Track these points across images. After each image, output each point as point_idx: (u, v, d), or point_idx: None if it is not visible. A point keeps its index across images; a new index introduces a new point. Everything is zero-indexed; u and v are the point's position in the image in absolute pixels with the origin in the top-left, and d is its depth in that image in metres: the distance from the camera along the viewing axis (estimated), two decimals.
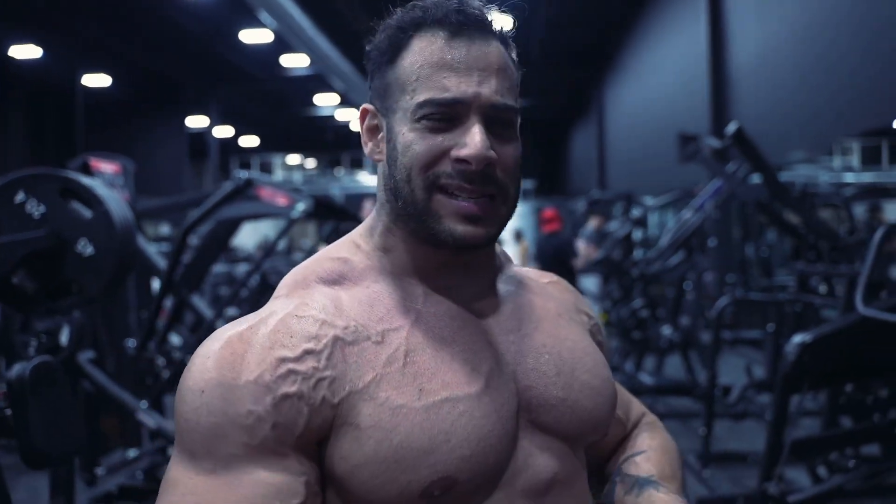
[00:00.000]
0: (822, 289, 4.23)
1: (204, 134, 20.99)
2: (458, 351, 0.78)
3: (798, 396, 2.89)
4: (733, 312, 7.22)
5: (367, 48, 0.85)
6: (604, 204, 10.38)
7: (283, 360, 0.72)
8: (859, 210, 8.80)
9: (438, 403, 0.73)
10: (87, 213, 2.19)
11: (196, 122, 21.49)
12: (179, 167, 20.86)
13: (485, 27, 0.81)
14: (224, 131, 23.03)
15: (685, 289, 6.15)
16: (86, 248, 2.17)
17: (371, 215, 0.88)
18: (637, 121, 13.55)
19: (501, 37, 0.84)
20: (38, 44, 15.68)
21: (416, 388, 0.74)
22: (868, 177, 17.69)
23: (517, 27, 0.86)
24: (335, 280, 0.81)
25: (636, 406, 1.07)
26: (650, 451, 0.97)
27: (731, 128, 3.65)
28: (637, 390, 5.50)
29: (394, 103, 0.80)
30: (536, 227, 18.50)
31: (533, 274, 0.99)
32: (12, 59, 16.38)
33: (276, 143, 26.06)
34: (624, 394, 1.04)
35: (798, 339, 2.71)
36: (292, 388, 0.71)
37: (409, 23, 0.80)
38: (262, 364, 0.71)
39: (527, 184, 23.62)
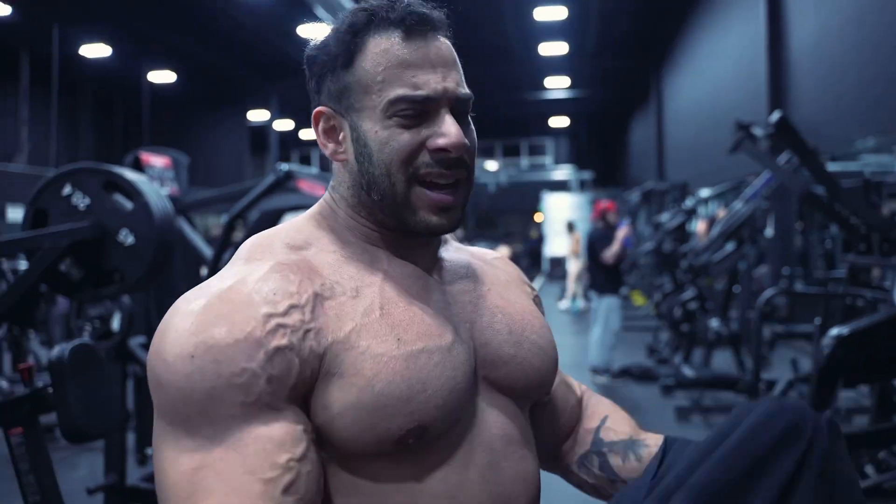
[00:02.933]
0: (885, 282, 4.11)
1: (265, 127, 21.43)
2: (426, 307, 0.84)
3: (853, 392, 2.83)
4: (788, 306, 7.05)
5: (311, 53, 0.89)
6: (658, 194, 10.25)
7: (271, 315, 0.73)
8: None
9: (416, 353, 0.77)
10: (128, 204, 2.31)
11: (257, 115, 21.96)
12: (241, 160, 21.39)
13: (433, 24, 0.84)
14: (284, 125, 23.46)
15: (738, 281, 6.04)
16: (127, 237, 2.29)
17: (326, 202, 0.91)
18: (695, 110, 13.27)
19: (446, 31, 0.87)
20: (107, 43, 16.26)
21: (394, 338, 0.77)
22: None
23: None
24: (301, 246, 0.84)
25: (570, 377, 1.13)
26: (611, 414, 1.06)
27: (775, 116, 3.57)
28: (680, 383, 5.44)
29: (356, 103, 0.83)
30: (592, 219, 18.31)
31: (477, 251, 1.05)
32: (83, 57, 17.04)
33: None
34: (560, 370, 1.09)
35: (834, 332, 2.66)
36: (283, 341, 0.72)
37: (360, 25, 0.83)
38: (251, 321, 0.72)
39: (584, 174, 23.37)
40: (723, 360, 6.59)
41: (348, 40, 0.84)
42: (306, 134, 26.69)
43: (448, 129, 0.81)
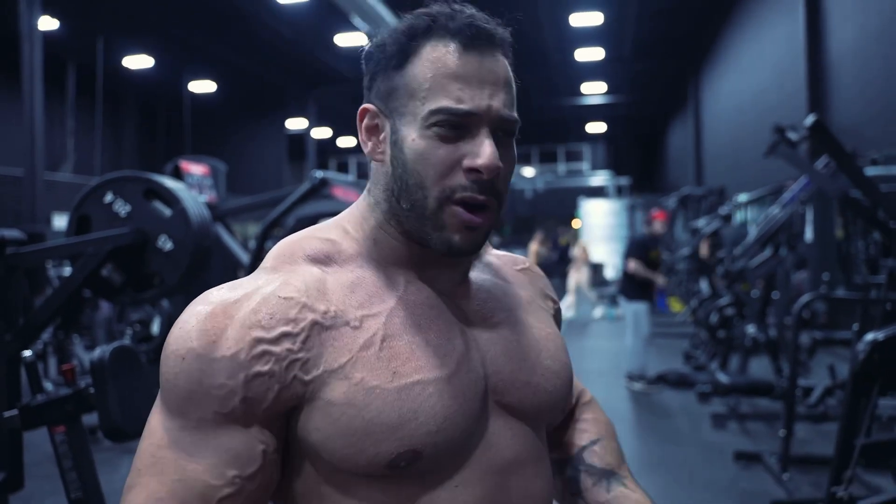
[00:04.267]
0: None
1: (303, 135, 21.69)
2: (432, 337, 0.84)
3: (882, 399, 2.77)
4: (828, 312, 6.92)
5: (368, 49, 0.88)
6: (695, 200, 10.14)
7: (260, 340, 0.76)
8: None
9: (410, 385, 0.79)
10: (167, 211, 2.39)
11: (295, 124, 22.24)
12: (279, 168, 21.68)
13: (493, 41, 0.83)
14: (322, 132, 23.72)
15: (776, 287, 5.96)
16: (165, 243, 2.37)
17: (359, 206, 0.92)
18: (733, 114, 13.10)
19: (506, 50, 0.86)
20: (149, 54, 16.66)
21: (389, 372, 0.79)
22: None
23: (506, 39, 0.87)
24: (322, 260, 0.85)
25: (576, 381, 1.11)
26: (603, 439, 1.04)
27: (809, 120, 3.53)
28: (716, 389, 5.38)
29: (401, 107, 0.83)
30: (629, 225, 18.17)
31: (507, 260, 1.04)
32: (126, 68, 17.47)
33: None
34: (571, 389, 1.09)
35: (870, 337, 2.62)
36: (265, 368, 0.76)
37: (419, 30, 0.83)
38: (240, 342, 0.76)
39: (622, 180, 23.20)
40: (760, 367, 6.50)
41: (404, 42, 0.84)
42: (344, 142, 26.95)
43: (484, 150, 0.80)
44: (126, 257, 2.36)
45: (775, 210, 5.63)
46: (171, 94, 19.53)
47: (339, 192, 3.50)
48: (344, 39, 15.35)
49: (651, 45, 16.62)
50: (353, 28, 13.71)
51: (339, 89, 20.09)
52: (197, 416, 0.76)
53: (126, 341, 3.37)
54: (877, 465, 3.25)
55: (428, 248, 0.85)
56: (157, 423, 0.78)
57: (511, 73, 0.86)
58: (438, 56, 0.82)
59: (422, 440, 0.78)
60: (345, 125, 24.49)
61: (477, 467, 0.84)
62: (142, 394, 1.96)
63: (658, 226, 6.61)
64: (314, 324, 0.79)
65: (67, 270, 6.27)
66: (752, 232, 6.66)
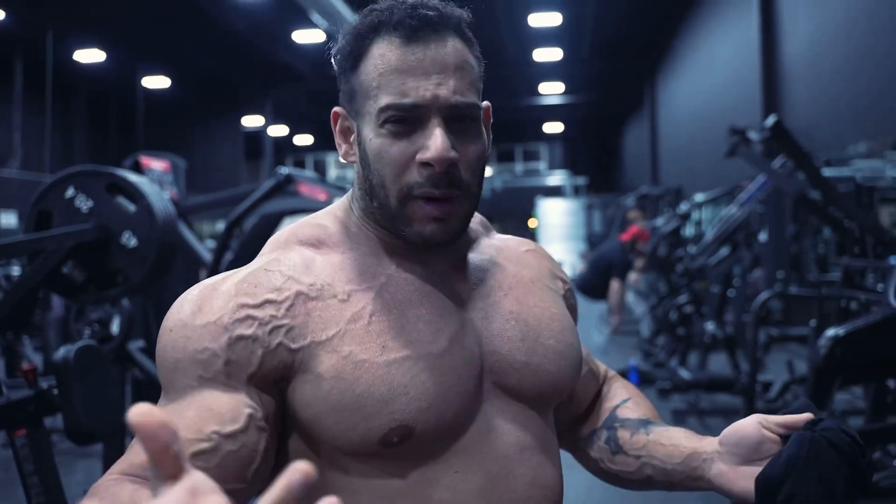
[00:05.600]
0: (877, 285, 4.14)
1: (259, 133, 21.43)
2: (423, 314, 0.83)
3: (847, 394, 2.86)
4: (783, 309, 7.09)
5: (332, 52, 0.88)
6: (653, 199, 10.29)
7: (244, 305, 0.78)
8: None
9: (400, 360, 0.79)
10: (131, 207, 2.32)
11: (251, 121, 21.96)
12: (235, 166, 21.38)
13: (440, 27, 0.81)
14: (279, 130, 23.46)
15: (733, 284, 6.08)
16: (130, 240, 2.30)
17: (347, 198, 0.93)
18: (689, 115, 13.35)
19: (459, 32, 0.84)
20: (100, 48, 16.25)
21: (379, 345, 0.79)
22: None
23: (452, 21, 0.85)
24: (313, 244, 0.87)
25: (599, 362, 1.11)
26: (635, 397, 1.04)
27: (770, 121, 3.61)
28: (677, 385, 5.47)
29: (360, 107, 0.83)
30: (586, 224, 18.35)
31: (513, 242, 1.03)
32: (77, 62, 17.02)
33: (330, 141, 26.05)
34: (589, 354, 1.08)
35: (831, 332, 2.68)
36: (248, 331, 0.77)
37: (366, 28, 0.83)
38: (224, 308, 0.78)
39: (579, 180, 23.43)
40: (718, 364, 6.62)
41: (354, 43, 0.84)
42: (301, 139, 26.70)
43: (434, 142, 0.79)
44: (88, 254, 2.28)
45: (733, 209, 5.74)
46: (124, 89, 19.09)
47: (305, 189, 3.45)
48: (302, 36, 15.18)
49: (609, 46, 16.81)
50: (312, 25, 13.56)
51: (297, 87, 19.90)
52: (183, 384, 0.77)
53: (90, 340, 3.28)
54: None
55: (405, 241, 0.86)
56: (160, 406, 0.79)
57: (468, 55, 0.84)
58: (383, 52, 0.81)
59: (413, 416, 0.77)
60: (302, 123, 24.28)
61: (476, 453, 0.82)
62: (107, 394, 1.90)
63: (642, 246, 6.75)
64: (298, 294, 0.81)
65: (16, 270, 6.07)
66: (709, 231, 6.79)
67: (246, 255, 3.79)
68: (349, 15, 12.36)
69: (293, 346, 0.78)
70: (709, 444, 0.89)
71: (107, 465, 3.31)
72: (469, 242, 0.95)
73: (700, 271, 6.02)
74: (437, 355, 0.81)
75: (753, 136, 4.39)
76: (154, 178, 3.69)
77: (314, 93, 20.59)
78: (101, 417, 1.85)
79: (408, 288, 0.85)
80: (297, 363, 0.78)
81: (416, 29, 0.81)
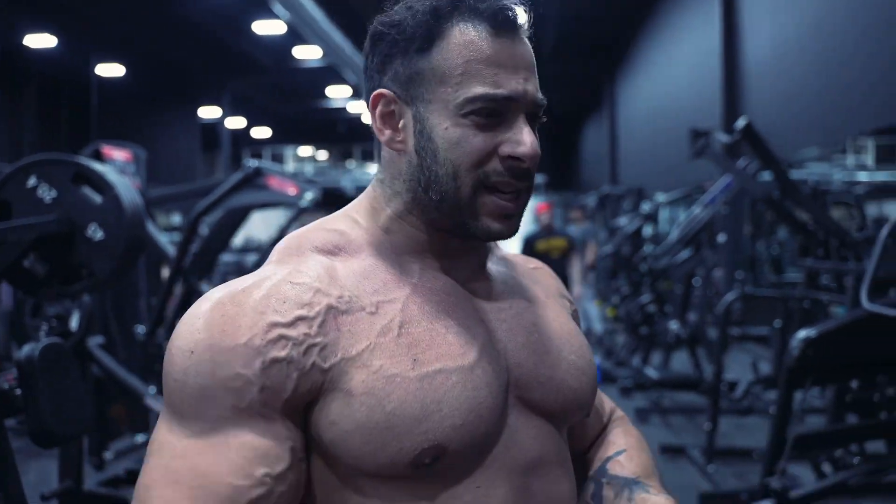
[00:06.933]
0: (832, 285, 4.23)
1: (216, 125, 21.07)
2: (452, 324, 0.79)
3: (804, 393, 2.90)
4: (742, 309, 7.22)
5: (381, 29, 0.82)
6: (613, 199, 10.38)
7: (275, 324, 0.71)
8: (872, 209, 8.78)
9: (432, 374, 0.74)
10: (97, 198, 2.21)
11: (209, 112, 21.58)
12: (192, 157, 20.97)
13: (522, 25, 0.81)
14: (236, 122, 23.11)
15: (693, 284, 6.16)
16: (96, 232, 2.19)
17: (369, 197, 0.88)
18: (649, 116, 13.50)
19: (529, 35, 0.84)
20: (52, 33, 15.77)
21: (410, 359, 0.74)
22: (882, 176, 17.52)
23: (531, 22, 0.85)
24: (330, 251, 0.81)
25: (607, 400, 1.08)
26: (630, 449, 0.99)
27: (741, 123, 3.64)
28: (643, 384, 5.52)
29: (426, 93, 0.78)
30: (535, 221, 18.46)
31: (520, 259, 1.01)
32: (27, 47, 16.49)
33: (287, 134, 26.11)
34: (599, 391, 1.06)
35: (802, 334, 2.72)
36: (282, 353, 0.71)
37: (444, 10, 0.78)
38: (254, 328, 0.71)
39: (537, 178, 23.56)
40: (679, 362, 6.71)
41: (429, 23, 0.78)
42: (258, 132, 26.34)
43: (525, 138, 0.78)
44: (51, 247, 2.17)
45: (697, 210, 5.81)
46: (77, 76, 18.56)
47: (275, 183, 3.36)
48: (262, 27, 14.93)
49: (568, 47, 16.91)
50: (273, 15, 13.35)
51: (256, 79, 19.61)
52: (214, 414, 0.69)
53: (53, 338, 3.15)
54: (800, 457, 3.39)
55: (458, 237, 0.82)
56: (164, 435, 0.71)
57: (534, 58, 0.83)
58: (470, 40, 0.77)
59: (446, 434, 0.72)
60: (260, 115, 23.96)
61: (499, 467, 0.79)
62: (73, 395, 1.81)
63: (544, 217, 7.33)
64: (329, 308, 0.74)
65: None
66: (672, 231, 6.87)
67: (211, 249, 3.69)
68: (311, 6, 12.19)
69: (325, 365, 0.72)
70: None
71: (63, 465, 3.18)
72: (487, 251, 0.92)
73: (664, 271, 6.08)
74: (468, 369, 0.77)
75: (724, 137, 4.44)
76: (117, 169, 3.57)
77: (273, 85, 20.32)
78: (67, 418, 1.75)
79: (434, 298, 0.81)
80: (326, 383, 0.73)
81: (505, 21, 0.78)
